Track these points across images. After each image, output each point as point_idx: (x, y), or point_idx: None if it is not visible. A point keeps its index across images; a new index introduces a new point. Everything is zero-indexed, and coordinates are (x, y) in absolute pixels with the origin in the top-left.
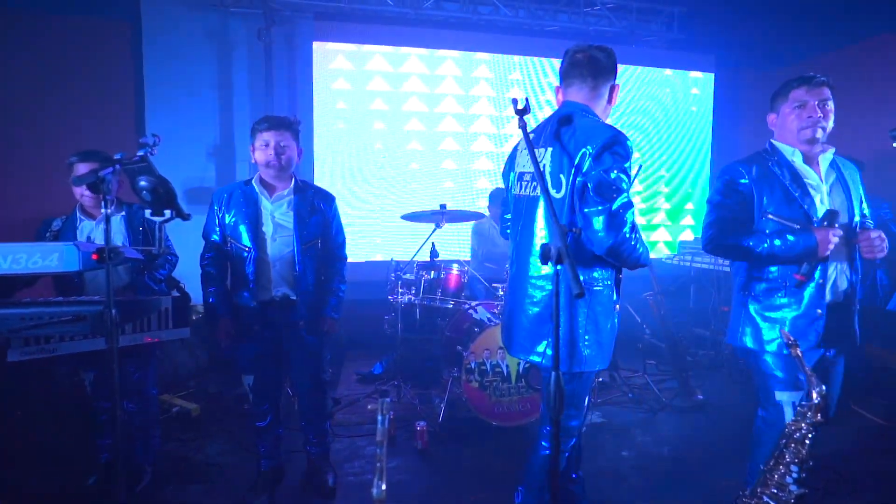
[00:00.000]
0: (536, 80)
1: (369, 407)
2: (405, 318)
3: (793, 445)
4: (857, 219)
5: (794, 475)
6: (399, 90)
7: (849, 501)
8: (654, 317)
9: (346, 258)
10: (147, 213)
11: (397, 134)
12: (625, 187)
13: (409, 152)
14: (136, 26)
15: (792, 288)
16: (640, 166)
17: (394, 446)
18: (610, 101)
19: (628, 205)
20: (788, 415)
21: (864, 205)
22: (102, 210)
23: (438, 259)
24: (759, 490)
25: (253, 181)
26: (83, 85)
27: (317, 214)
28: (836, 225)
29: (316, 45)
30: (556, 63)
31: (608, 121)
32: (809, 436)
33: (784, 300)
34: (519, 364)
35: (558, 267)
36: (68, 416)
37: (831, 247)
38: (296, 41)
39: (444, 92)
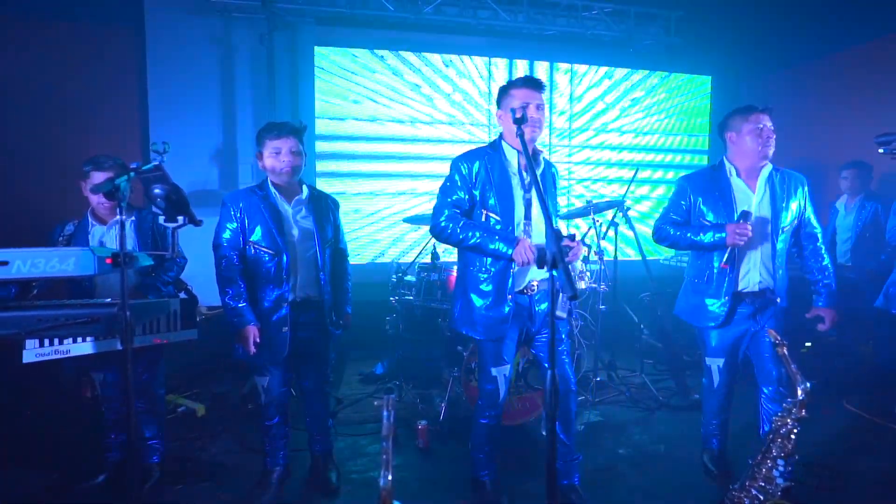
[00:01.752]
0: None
1: (375, 403)
2: (406, 319)
3: (779, 440)
4: (784, 223)
5: (781, 468)
6: (400, 94)
7: (840, 498)
8: (651, 317)
9: (349, 257)
10: (161, 219)
11: (399, 137)
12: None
13: (410, 155)
14: (139, 32)
15: (712, 274)
16: (637, 168)
17: (396, 445)
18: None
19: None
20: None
21: (803, 209)
22: (117, 216)
23: (439, 261)
24: (747, 484)
25: (268, 187)
26: (88, 91)
27: (329, 217)
28: (748, 223)
29: (318, 49)
30: (558, 66)
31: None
32: (795, 431)
33: (704, 285)
34: (518, 363)
35: (553, 272)
36: (77, 415)
37: (740, 239)
38: (298, 46)
39: (445, 95)
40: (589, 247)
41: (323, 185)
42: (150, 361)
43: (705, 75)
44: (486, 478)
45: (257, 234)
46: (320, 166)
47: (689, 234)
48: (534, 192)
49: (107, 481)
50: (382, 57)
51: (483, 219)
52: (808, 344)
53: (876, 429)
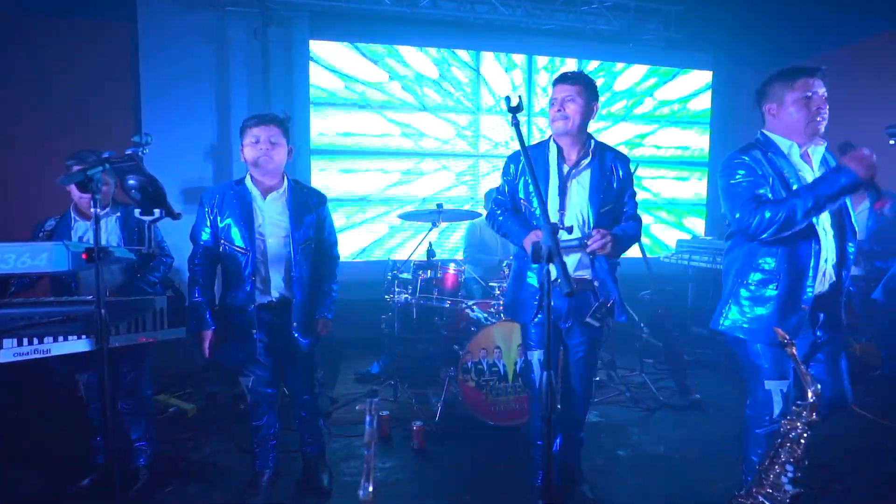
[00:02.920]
0: (534, 79)
1: (357, 407)
2: (402, 318)
3: (788, 445)
4: (849, 205)
5: (790, 475)
6: (397, 88)
7: (843, 500)
8: (652, 315)
9: (338, 258)
10: (137, 212)
11: (395, 132)
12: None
13: (406, 151)
14: (132, 28)
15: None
16: (638, 164)
17: (391, 446)
18: None
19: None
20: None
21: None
22: (93, 209)
23: (435, 259)
24: (754, 490)
25: (245, 180)
26: (81, 87)
27: (311, 214)
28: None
29: (312, 43)
30: (557, 61)
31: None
32: (805, 435)
33: (774, 292)
34: (516, 363)
35: (549, 266)
36: (65, 417)
37: (871, 166)
38: (292, 40)
39: (441, 90)
40: None
41: (318, 180)
42: (136, 361)
43: (706, 70)
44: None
45: (229, 231)
46: (315, 161)
47: (795, 201)
48: (574, 184)
49: (93, 484)
50: (379, 51)
51: (522, 208)
52: None
53: (883, 430)
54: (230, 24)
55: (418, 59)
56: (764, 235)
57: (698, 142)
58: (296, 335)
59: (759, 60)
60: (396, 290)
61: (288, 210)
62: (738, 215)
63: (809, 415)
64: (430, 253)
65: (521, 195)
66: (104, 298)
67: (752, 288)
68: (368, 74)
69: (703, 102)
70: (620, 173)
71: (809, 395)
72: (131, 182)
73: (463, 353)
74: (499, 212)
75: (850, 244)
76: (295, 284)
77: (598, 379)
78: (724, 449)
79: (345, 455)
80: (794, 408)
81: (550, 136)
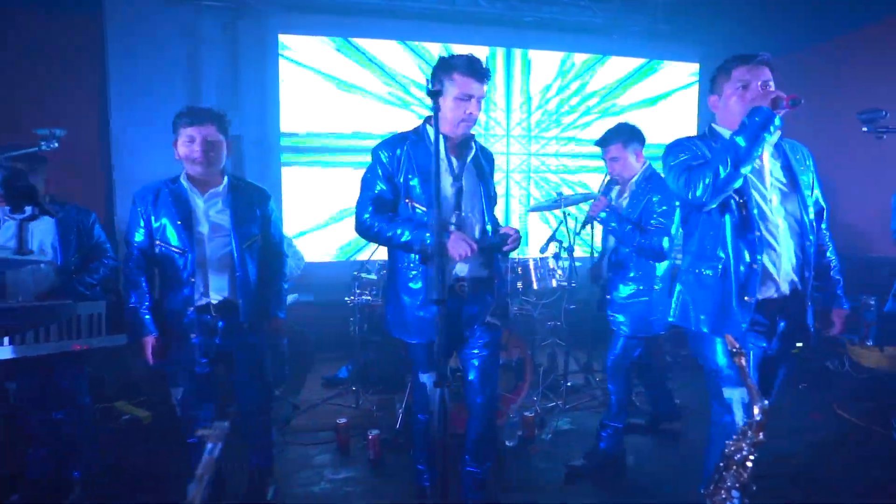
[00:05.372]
0: (515, 72)
1: (198, 432)
2: (370, 320)
3: (733, 468)
4: (809, 202)
5: (737, 501)
6: (373, 83)
7: None
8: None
9: (286, 255)
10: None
11: (368, 127)
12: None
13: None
14: (98, 21)
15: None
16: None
17: (347, 456)
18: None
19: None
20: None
21: (816, 190)
22: (25, 210)
23: None
24: None
25: (181, 179)
26: (47, 83)
27: (255, 212)
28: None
29: (285, 37)
30: (541, 54)
31: None
32: (751, 458)
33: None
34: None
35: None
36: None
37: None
38: (263, 34)
39: (417, 83)
40: (560, 242)
41: (287, 177)
42: (70, 368)
43: (693, 62)
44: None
45: (164, 231)
46: (285, 158)
47: (718, 152)
48: (464, 180)
49: (22, 500)
50: (355, 45)
51: (409, 211)
52: (799, 344)
53: (870, 436)
54: (201, 18)
55: (394, 53)
56: (704, 198)
57: (685, 134)
58: (246, 337)
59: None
60: (357, 291)
61: (228, 208)
62: (682, 188)
63: (756, 434)
64: None
65: (417, 193)
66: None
67: (697, 274)
68: (342, 69)
69: (691, 95)
70: (491, 165)
71: (756, 411)
72: None
73: None
74: (388, 218)
75: (807, 242)
76: (240, 286)
77: (569, 384)
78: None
79: (298, 465)
80: (740, 427)
81: (425, 125)
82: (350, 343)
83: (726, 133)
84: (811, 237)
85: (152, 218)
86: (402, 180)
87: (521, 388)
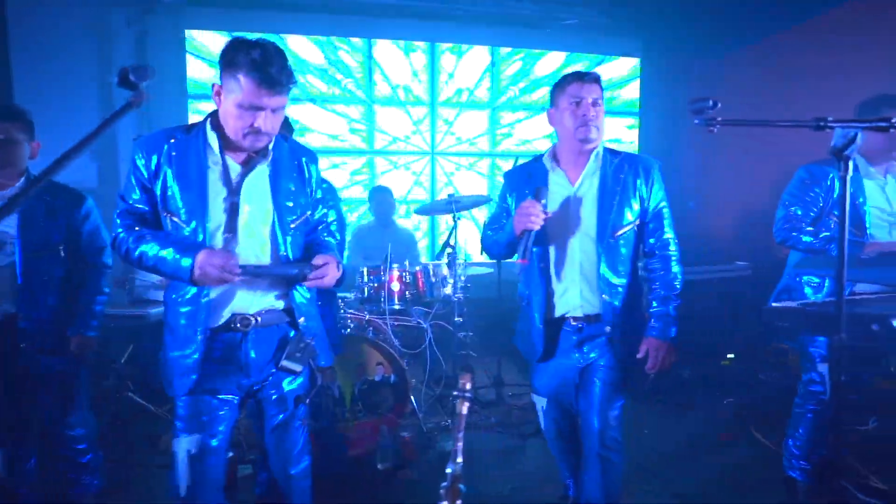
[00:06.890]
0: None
1: None
2: None
3: None
4: (618, 224)
5: None
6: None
7: None
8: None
9: (103, 266)
10: None
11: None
12: None
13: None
14: (2, 13)
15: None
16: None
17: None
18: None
19: None
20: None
21: (647, 204)
22: None
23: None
24: None
25: None
26: None
27: (56, 217)
28: (542, 201)
29: (194, 33)
30: (475, 49)
31: None
32: None
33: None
34: (354, 385)
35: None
36: None
37: (533, 220)
38: (169, 29)
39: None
40: (454, 248)
41: None
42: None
43: (634, 57)
44: None
45: None
46: None
47: (490, 236)
48: (242, 195)
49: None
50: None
51: (169, 226)
52: (730, 356)
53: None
54: (110, 14)
55: (299, 43)
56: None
57: (628, 135)
58: (38, 358)
59: (690, 48)
60: None
61: (17, 213)
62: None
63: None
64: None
65: (175, 205)
66: None
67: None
68: None
69: (631, 91)
70: (307, 171)
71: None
72: None
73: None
74: (136, 234)
75: (606, 269)
76: (25, 300)
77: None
78: None
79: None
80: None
81: (205, 122)
82: None
83: (550, 160)
84: (615, 265)
85: None
86: (159, 189)
87: (399, 408)
